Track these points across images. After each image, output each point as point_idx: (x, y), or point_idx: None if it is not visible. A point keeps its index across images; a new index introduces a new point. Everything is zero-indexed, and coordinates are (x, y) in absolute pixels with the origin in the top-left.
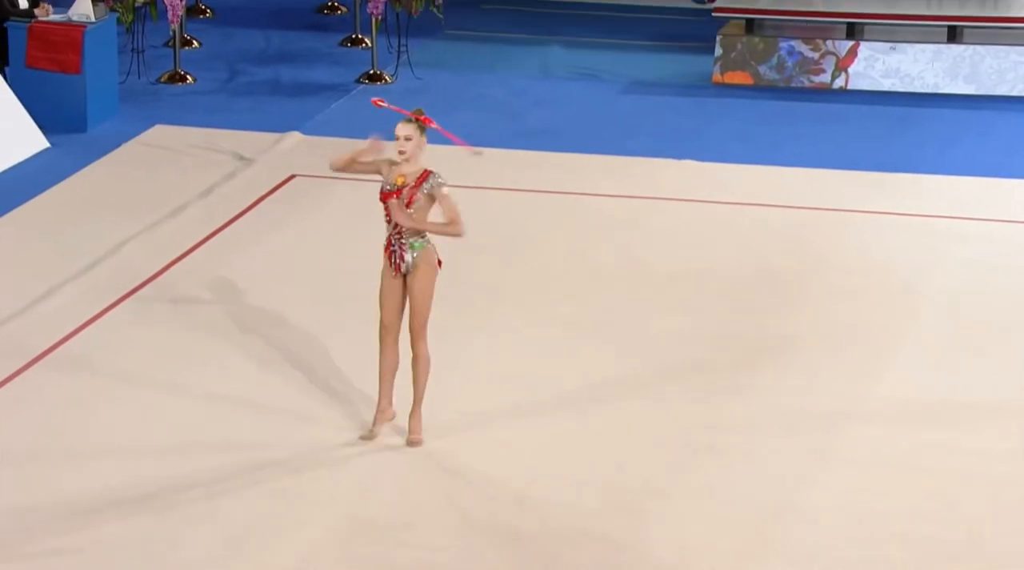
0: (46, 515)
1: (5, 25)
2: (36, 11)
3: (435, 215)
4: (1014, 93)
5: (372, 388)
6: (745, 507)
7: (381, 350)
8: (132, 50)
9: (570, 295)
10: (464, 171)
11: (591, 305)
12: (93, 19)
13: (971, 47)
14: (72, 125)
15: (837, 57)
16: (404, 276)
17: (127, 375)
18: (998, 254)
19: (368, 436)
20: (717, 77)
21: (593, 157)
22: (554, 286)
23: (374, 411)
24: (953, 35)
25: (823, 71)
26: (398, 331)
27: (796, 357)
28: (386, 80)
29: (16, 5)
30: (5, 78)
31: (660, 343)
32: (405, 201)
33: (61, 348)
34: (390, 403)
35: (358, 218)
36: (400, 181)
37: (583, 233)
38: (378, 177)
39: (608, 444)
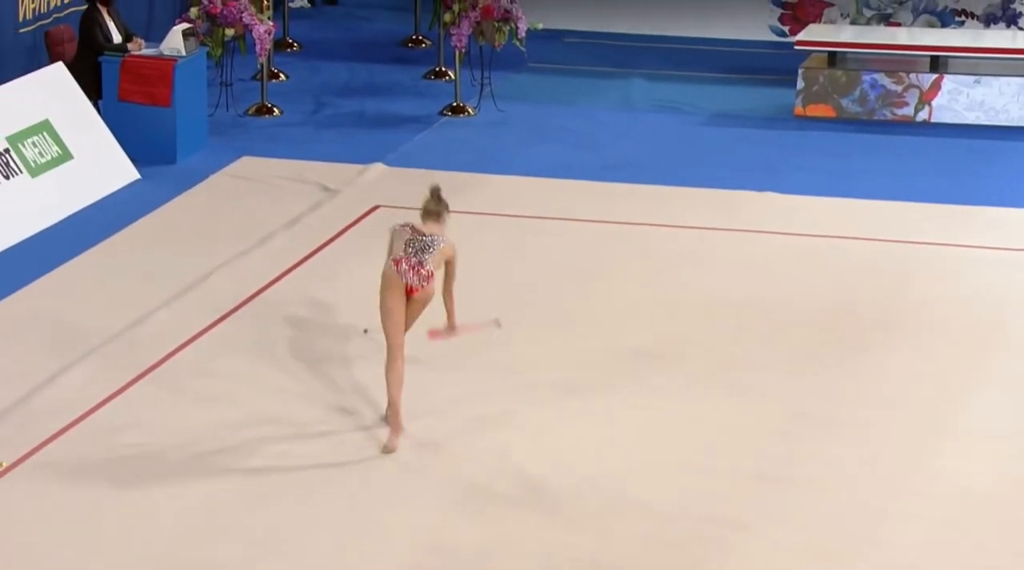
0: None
1: (99, 59)
2: (129, 45)
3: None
4: None
5: (453, 418)
6: (828, 538)
7: (395, 366)
8: (221, 83)
9: (647, 325)
10: (548, 202)
11: (668, 336)
12: (184, 53)
13: None
14: (162, 157)
15: (921, 90)
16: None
17: (212, 397)
18: None
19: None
20: (799, 110)
21: (674, 189)
22: (631, 316)
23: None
24: None
25: (906, 104)
26: None
27: (875, 389)
28: (469, 113)
29: (110, 40)
30: (99, 111)
31: (735, 374)
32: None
33: (152, 373)
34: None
35: None
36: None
37: (663, 264)
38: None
39: (682, 474)
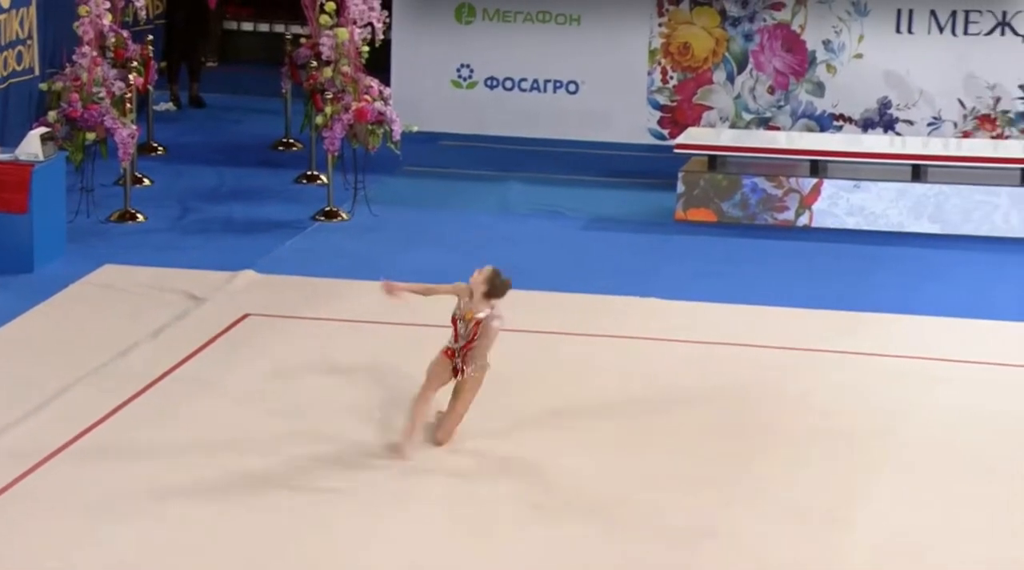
0: None
1: None
2: None
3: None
4: (979, 233)
5: (340, 547)
6: None
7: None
8: (81, 189)
9: (529, 435)
10: (426, 310)
11: (552, 446)
12: (41, 158)
13: (935, 186)
14: (18, 265)
15: (801, 194)
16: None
17: (72, 517)
18: (967, 396)
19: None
20: (680, 214)
21: (554, 295)
22: (512, 426)
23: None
24: (917, 174)
25: (787, 208)
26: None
27: (766, 503)
28: (342, 217)
29: None
30: None
31: (624, 489)
32: (470, 335)
33: (8, 492)
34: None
35: (313, 358)
36: (469, 316)
37: (545, 372)
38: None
39: None
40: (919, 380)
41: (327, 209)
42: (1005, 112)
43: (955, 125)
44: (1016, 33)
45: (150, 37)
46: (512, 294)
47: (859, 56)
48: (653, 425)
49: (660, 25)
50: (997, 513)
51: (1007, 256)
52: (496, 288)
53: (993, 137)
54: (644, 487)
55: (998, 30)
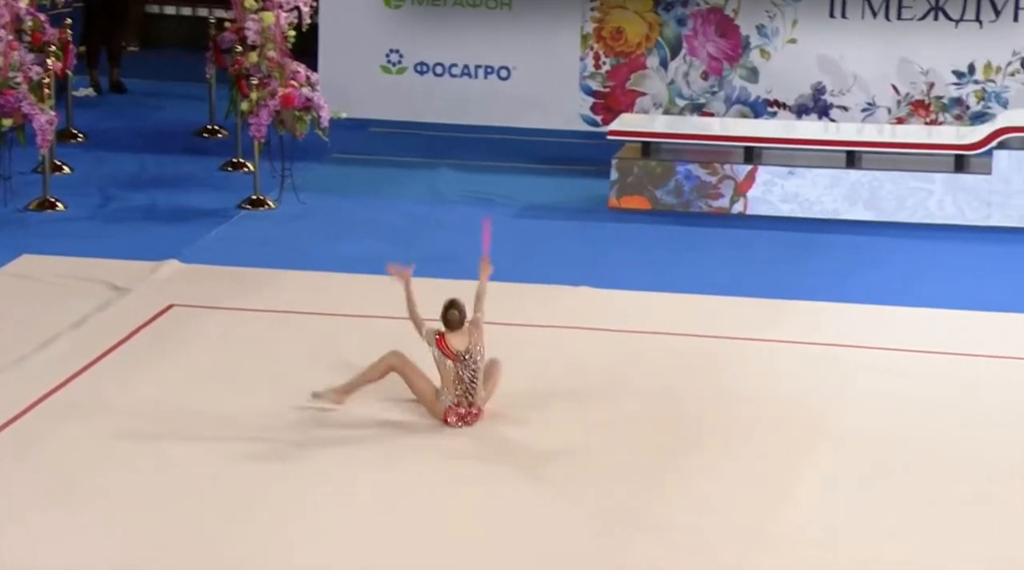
0: None
1: None
2: None
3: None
4: (913, 220)
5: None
6: None
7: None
8: None
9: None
10: (357, 299)
11: (484, 435)
12: None
13: (869, 173)
14: None
15: (735, 181)
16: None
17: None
18: (899, 384)
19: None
20: (613, 201)
21: (488, 284)
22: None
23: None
24: (851, 160)
25: (721, 195)
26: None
27: (698, 492)
28: (269, 205)
29: None
30: None
31: (555, 478)
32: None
33: None
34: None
35: (240, 348)
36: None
37: None
38: None
39: None
40: (848, 367)
41: (253, 197)
42: (939, 98)
43: (889, 111)
44: (949, 18)
45: (68, 20)
46: (442, 284)
47: (793, 41)
48: (585, 415)
49: (592, 10)
50: (935, 498)
51: (941, 243)
52: (445, 320)
53: (927, 123)
54: (567, 480)
55: (931, 15)
